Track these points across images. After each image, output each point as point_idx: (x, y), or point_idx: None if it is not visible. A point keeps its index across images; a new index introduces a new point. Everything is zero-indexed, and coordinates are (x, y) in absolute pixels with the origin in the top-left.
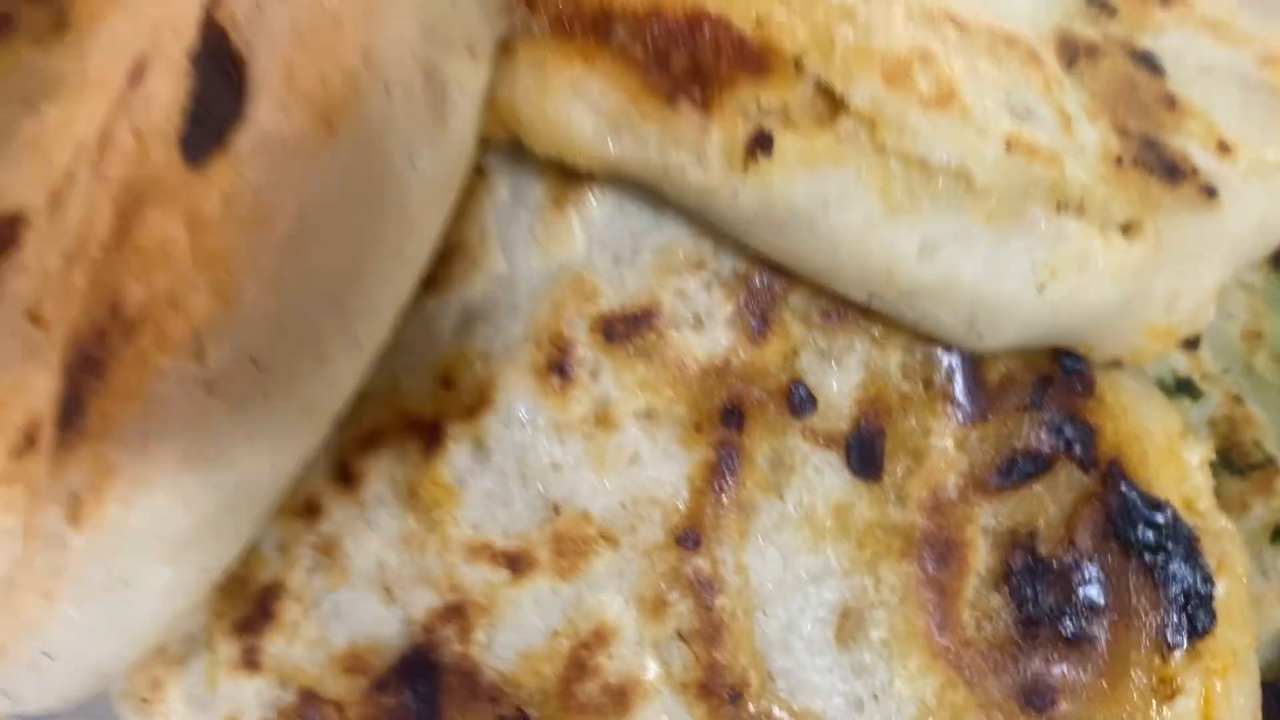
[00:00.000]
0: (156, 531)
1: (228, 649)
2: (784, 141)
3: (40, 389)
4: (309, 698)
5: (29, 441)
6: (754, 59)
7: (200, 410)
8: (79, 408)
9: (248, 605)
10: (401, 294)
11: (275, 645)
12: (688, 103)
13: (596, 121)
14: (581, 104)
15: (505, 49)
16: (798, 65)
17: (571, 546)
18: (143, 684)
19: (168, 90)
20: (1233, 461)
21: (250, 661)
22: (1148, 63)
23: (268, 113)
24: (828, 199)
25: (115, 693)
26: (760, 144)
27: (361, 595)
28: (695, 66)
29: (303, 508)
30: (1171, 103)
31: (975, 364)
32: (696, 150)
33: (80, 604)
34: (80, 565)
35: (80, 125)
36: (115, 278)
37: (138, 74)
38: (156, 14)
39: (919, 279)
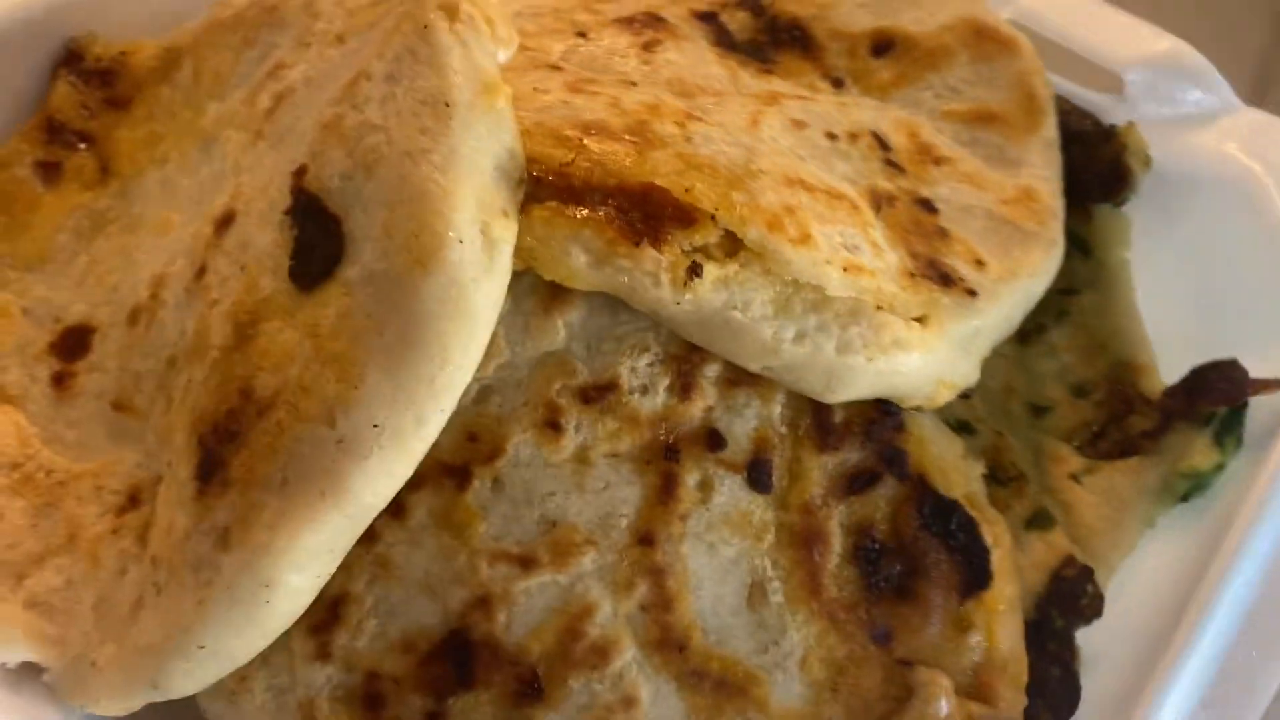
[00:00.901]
0: (292, 548)
1: (303, 645)
2: (707, 269)
3: (132, 462)
4: (371, 675)
5: (132, 503)
6: (686, 215)
7: (332, 461)
8: (220, 466)
9: (321, 611)
10: (469, 374)
11: (342, 639)
12: (648, 245)
13: (588, 258)
14: (577, 247)
15: (525, 210)
16: (713, 219)
17: (564, 549)
18: (230, 680)
19: (268, 237)
20: (998, 477)
21: (322, 654)
22: (927, 206)
23: (370, 255)
24: (736, 304)
25: (203, 692)
26: (693, 271)
27: (410, 596)
28: (649, 221)
29: (364, 535)
30: (943, 233)
31: (825, 412)
32: (654, 276)
33: (229, 605)
34: (230, 575)
35: (146, 257)
36: (242, 372)
37: (225, 224)
38: (234, 179)
39: (795, 355)
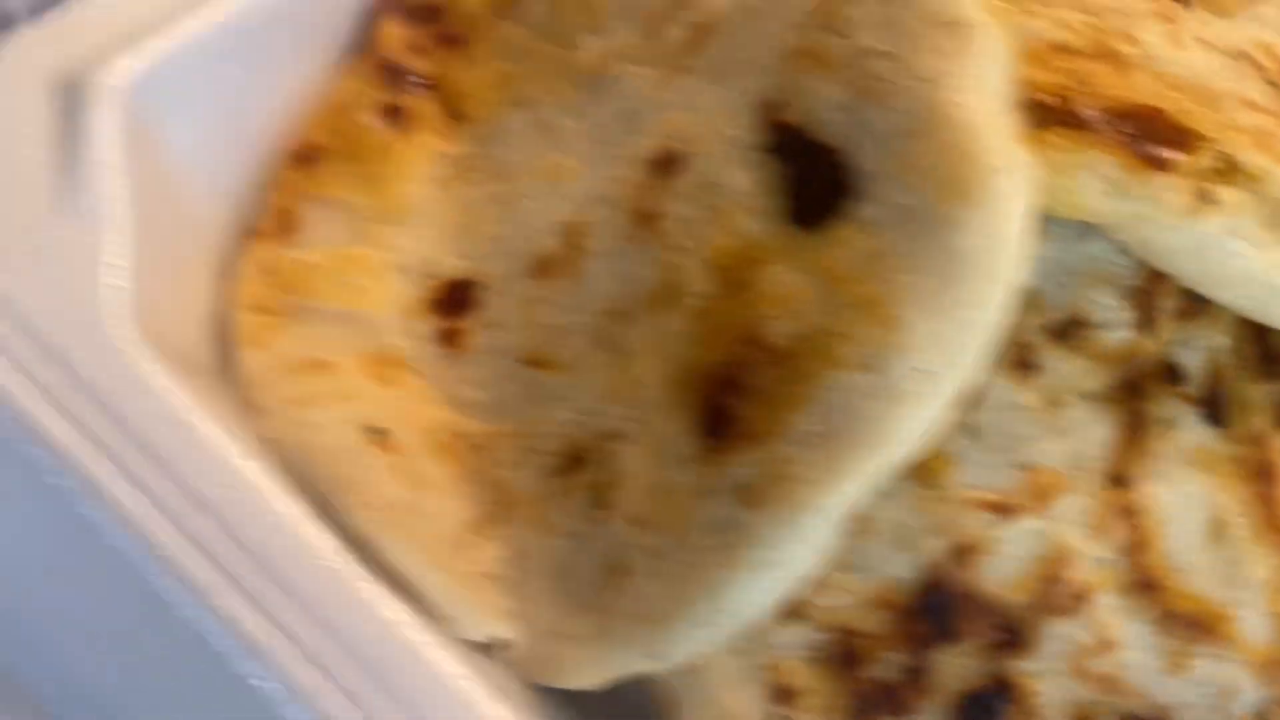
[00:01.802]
0: (833, 504)
1: None
2: (1218, 194)
3: (561, 419)
4: (846, 632)
5: (575, 462)
6: (1185, 139)
7: (873, 409)
8: (729, 419)
9: None
10: (1001, 316)
11: (815, 597)
12: (1159, 171)
13: (1102, 187)
14: (1090, 175)
15: (1036, 139)
16: (1209, 141)
17: (1041, 494)
18: None
19: (739, 177)
20: None
21: (795, 614)
22: None
23: (893, 191)
24: (1234, 230)
25: None
26: (1203, 197)
27: (883, 549)
28: (1154, 145)
29: None
30: None
31: (1265, 339)
32: (1158, 203)
33: (756, 566)
34: (761, 533)
35: (537, 205)
36: (742, 320)
37: (665, 165)
38: (656, 117)
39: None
